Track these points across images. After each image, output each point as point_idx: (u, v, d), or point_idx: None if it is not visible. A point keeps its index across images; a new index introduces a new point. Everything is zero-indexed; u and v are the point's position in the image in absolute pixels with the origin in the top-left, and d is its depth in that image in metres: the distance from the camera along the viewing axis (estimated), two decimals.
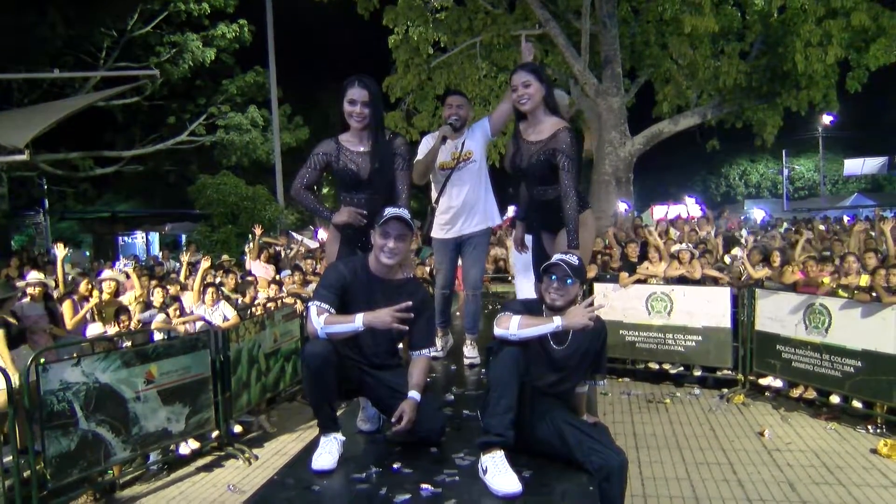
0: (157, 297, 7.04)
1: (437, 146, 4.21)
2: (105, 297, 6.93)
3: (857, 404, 6.65)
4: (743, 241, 10.49)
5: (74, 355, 5.34)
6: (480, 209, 4.38)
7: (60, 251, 7.53)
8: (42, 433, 4.81)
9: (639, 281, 8.21)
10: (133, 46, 19.10)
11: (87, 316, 6.57)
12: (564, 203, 3.35)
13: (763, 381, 7.46)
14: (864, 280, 6.83)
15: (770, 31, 12.75)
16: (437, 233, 4.45)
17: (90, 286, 7.07)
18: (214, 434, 6.40)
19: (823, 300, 6.79)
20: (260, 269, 9.84)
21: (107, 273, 7.48)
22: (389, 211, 2.96)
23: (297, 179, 3.42)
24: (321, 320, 2.82)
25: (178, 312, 6.77)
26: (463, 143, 4.33)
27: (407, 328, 2.89)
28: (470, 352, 4.59)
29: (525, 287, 5.73)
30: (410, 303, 2.85)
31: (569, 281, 2.85)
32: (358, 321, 2.80)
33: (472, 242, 4.43)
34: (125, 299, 7.13)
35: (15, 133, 7.87)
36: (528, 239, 4.08)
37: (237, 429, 6.90)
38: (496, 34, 14.10)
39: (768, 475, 5.44)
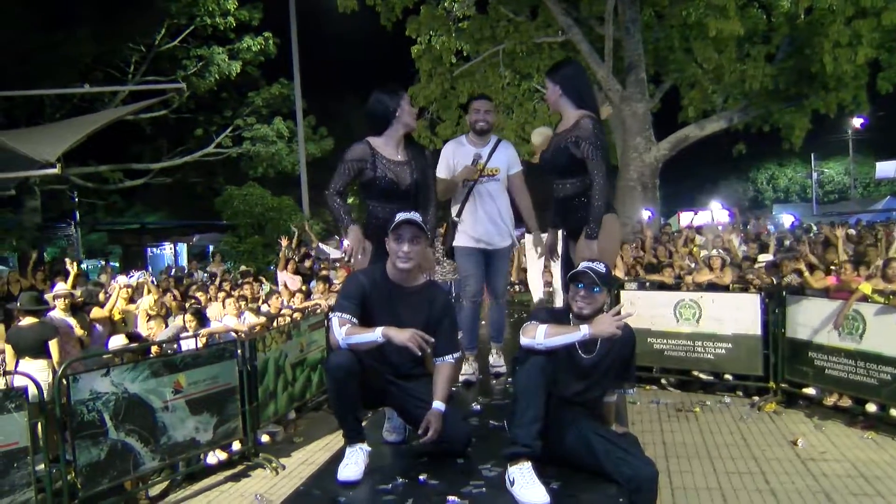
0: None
1: (459, 179, 4.22)
2: (121, 303, 7.02)
3: (894, 413, 6.48)
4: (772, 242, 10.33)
5: (102, 364, 5.41)
6: (505, 225, 4.36)
7: (73, 269, 7.73)
8: (73, 442, 4.87)
9: (666, 287, 8.12)
10: (160, 60, 19.47)
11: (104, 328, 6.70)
12: (591, 191, 3.28)
13: (795, 389, 7.31)
14: None
15: (797, 33, 12.57)
16: (462, 241, 4.36)
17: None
18: (242, 443, 6.41)
19: (857, 306, 6.63)
20: (287, 278, 9.91)
21: (121, 280, 7.58)
22: (400, 215, 2.93)
23: (332, 184, 3.37)
24: (343, 331, 2.82)
25: (194, 325, 6.78)
26: (490, 157, 4.27)
27: (422, 352, 2.83)
28: (496, 360, 4.54)
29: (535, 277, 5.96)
30: (433, 340, 2.85)
31: (596, 289, 2.82)
32: (378, 333, 2.79)
33: (497, 255, 4.41)
34: (142, 304, 7.22)
35: (47, 147, 8.00)
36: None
37: (264, 438, 6.94)
38: (519, 42, 14.11)
39: (803, 485, 5.31)
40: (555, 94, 3.45)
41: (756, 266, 8.72)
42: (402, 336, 2.77)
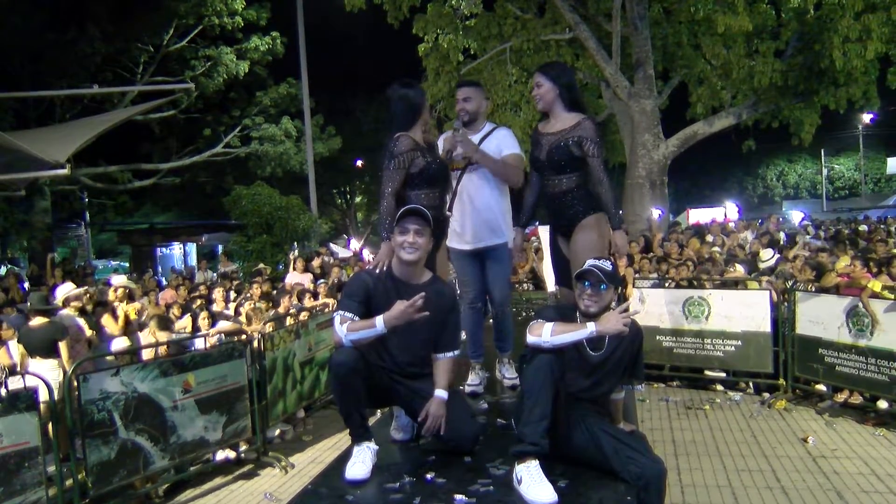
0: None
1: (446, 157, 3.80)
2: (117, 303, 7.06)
3: None
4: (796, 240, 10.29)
5: (111, 364, 5.44)
6: (498, 219, 3.95)
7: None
8: (83, 442, 4.90)
9: (674, 284, 8.10)
10: (169, 61, 19.56)
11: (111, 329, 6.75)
12: (599, 188, 3.43)
13: (806, 387, 7.28)
14: None
15: (806, 28, 12.48)
16: (453, 242, 3.98)
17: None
18: (251, 442, 6.43)
19: (868, 302, 6.58)
20: (295, 278, 9.94)
21: (118, 280, 7.60)
22: (405, 207, 2.96)
23: (387, 185, 3.26)
24: (344, 328, 2.82)
25: (207, 321, 6.84)
26: (480, 143, 3.87)
27: (428, 314, 2.83)
28: (509, 372, 4.15)
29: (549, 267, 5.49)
30: (423, 293, 2.81)
31: (602, 287, 2.81)
32: (379, 323, 2.79)
33: (492, 255, 4.00)
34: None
35: (57, 148, 8.05)
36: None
37: (276, 432, 6.97)
38: (526, 39, 14.08)
39: (814, 483, 5.28)
40: (552, 92, 3.50)
41: (761, 264, 8.72)
42: (403, 314, 2.76)
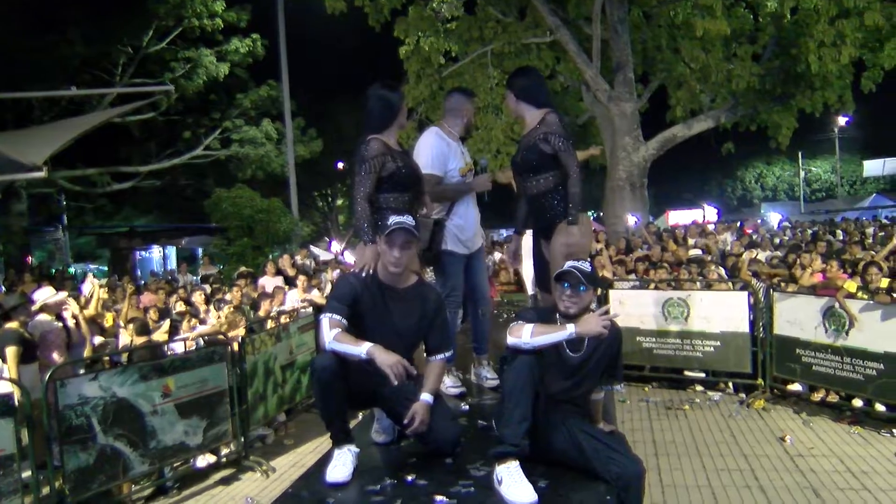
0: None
1: (479, 189, 3.99)
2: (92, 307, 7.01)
3: (880, 408, 6.54)
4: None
5: (86, 367, 5.37)
6: (479, 222, 4.14)
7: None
8: (61, 448, 4.84)
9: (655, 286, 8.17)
10: (148, 63, 19.36)
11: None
12: (566, 181, 3.43)
13: (783, 386, 7.37)
14: (885, 282, 6.72)
15: (783, 33, 12.68)
16: (452, 245, 3.96)
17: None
18: (231, 447, 6.40)
19: (843, 301, 6.68)
20: (269, 282, 9.89)
21: (88, 287, 7.55)
22: (394, 220, 2.93)
23: (359, 189, 3.24)
24: (332, 335, 2.81)
25: (190, 324, 6.80)
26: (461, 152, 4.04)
27: (400, 382, 2.78)
28: (490, 373, 4.17)
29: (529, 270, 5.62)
30: (415, 373, 2.84)
31: (582, 288, 2.83)
32: (364, 349, 2.77)
33: (477, 256, 4.14)
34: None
35: (34, 150, 7.93)
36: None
37: (260, 432, 6.95)
38: (507, 42, 14.13)
39: (791, 481, 5.35)
40: (512, 101, 3.64)
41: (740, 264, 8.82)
42: (387, 360, 2.73)
